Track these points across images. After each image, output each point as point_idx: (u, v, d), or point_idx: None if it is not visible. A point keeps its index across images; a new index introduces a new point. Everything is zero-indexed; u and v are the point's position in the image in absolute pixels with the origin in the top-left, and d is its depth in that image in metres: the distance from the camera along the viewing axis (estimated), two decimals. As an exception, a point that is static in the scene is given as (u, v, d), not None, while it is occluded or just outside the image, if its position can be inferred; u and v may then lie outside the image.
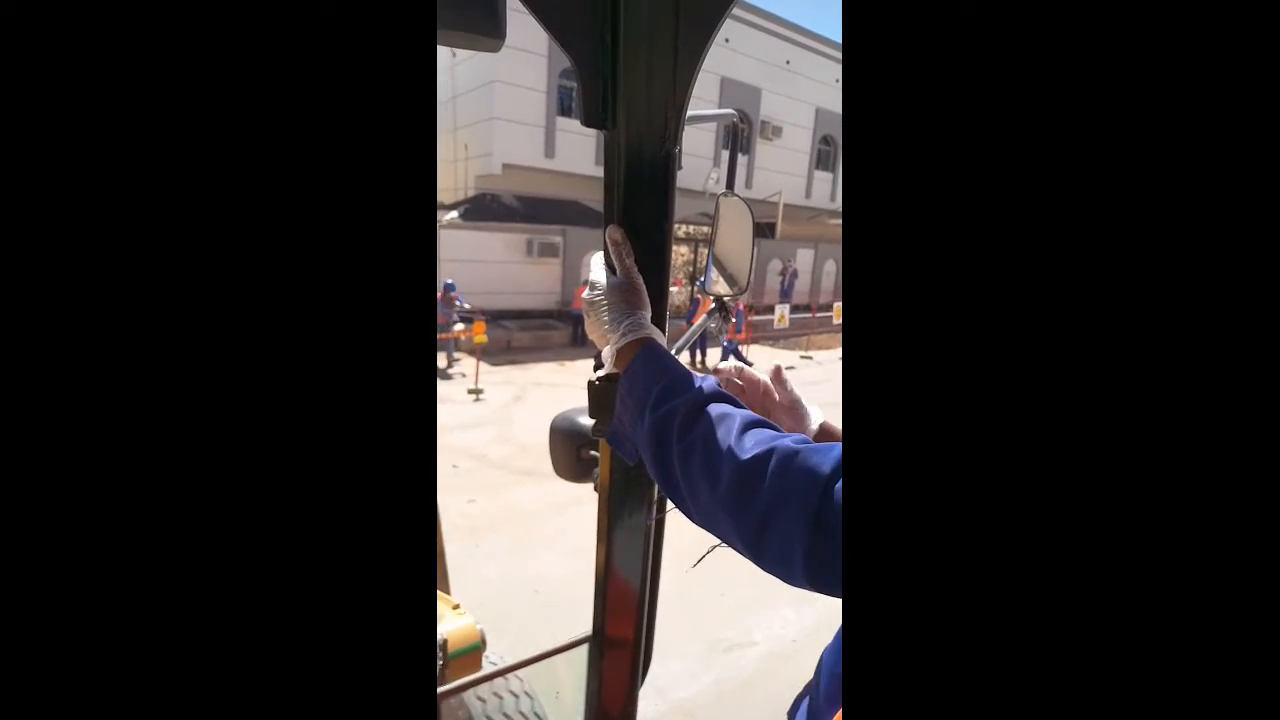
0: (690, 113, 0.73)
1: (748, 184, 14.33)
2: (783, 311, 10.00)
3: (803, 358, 9.19)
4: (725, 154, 13.72)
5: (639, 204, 0.60)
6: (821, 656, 0.67)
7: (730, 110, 0.89)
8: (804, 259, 14.11)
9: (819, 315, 11.64)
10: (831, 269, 14.88)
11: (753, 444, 0.46)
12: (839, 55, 15.85)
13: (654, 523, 0.79)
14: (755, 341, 9.70)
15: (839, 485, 0.41)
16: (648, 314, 0.61)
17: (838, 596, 0.42)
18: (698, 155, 12.71)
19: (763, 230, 13.61)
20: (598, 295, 0.62)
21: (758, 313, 10.89)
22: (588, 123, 0.57)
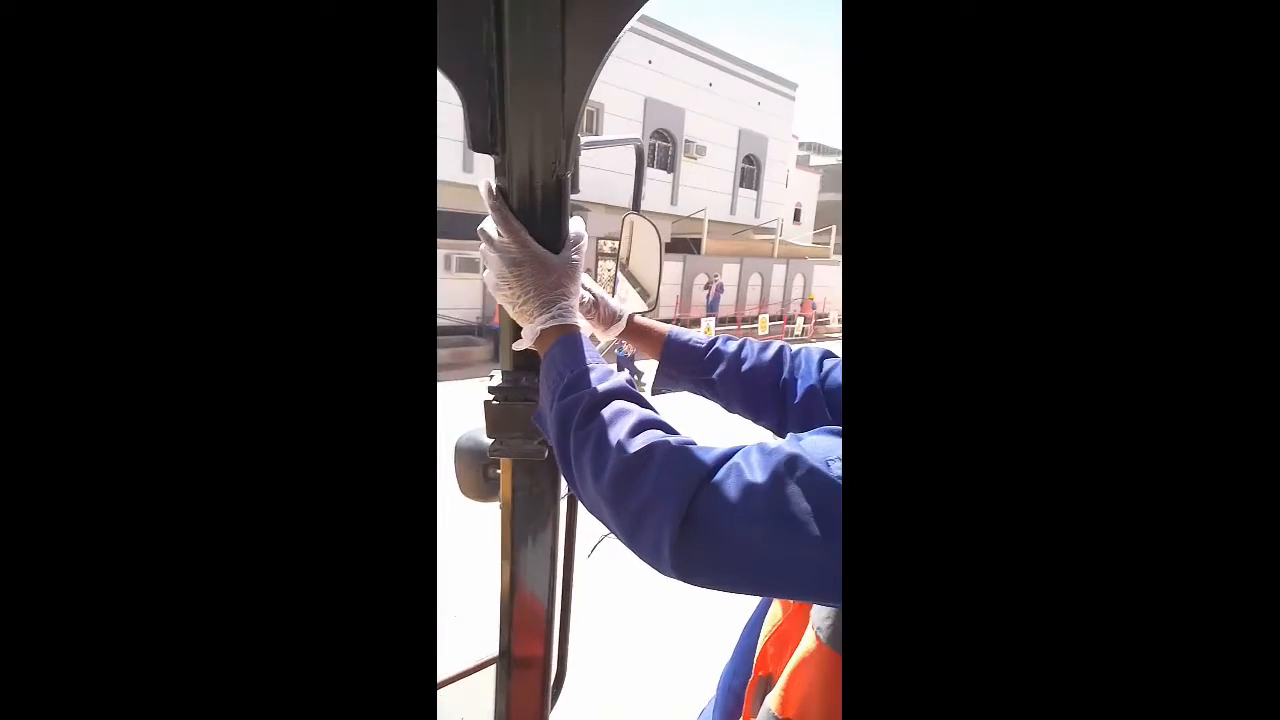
0: (591, 138, 0.76)
1: (673, 201, 14.62)
2: (709, 325, 10.24)
3: (729, 370, 9.40)
4: (651, 171, 13.95)
5: (534, 226, 0.61)
6: (721, 675, 0.70)
7: (634, 136, 0.93)
8: (729, 273, 14.50)
9: (744, 327, 12.00)
10: (756, 282, 15.36)
11: (641, 441, 0.47)
12: (760, 79, 16.50)
13: (566, 499, 0.79)
14: (683, 354, 9.87)
15: (713, 481, 0.43)
16: (577, 301, 0.61)
17: (702, 587, 0.44)
18: (622, 173, 12.85)
19: (689, 246, 13.90)
20: (524, 265, 0.58)
21: (685, 326, 11.09)
22: (475, 148, 0.58)
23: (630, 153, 0.95)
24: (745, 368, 0.75)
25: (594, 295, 0.77)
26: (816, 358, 0.74)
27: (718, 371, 0.76)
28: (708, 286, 13.46)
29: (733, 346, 0.78)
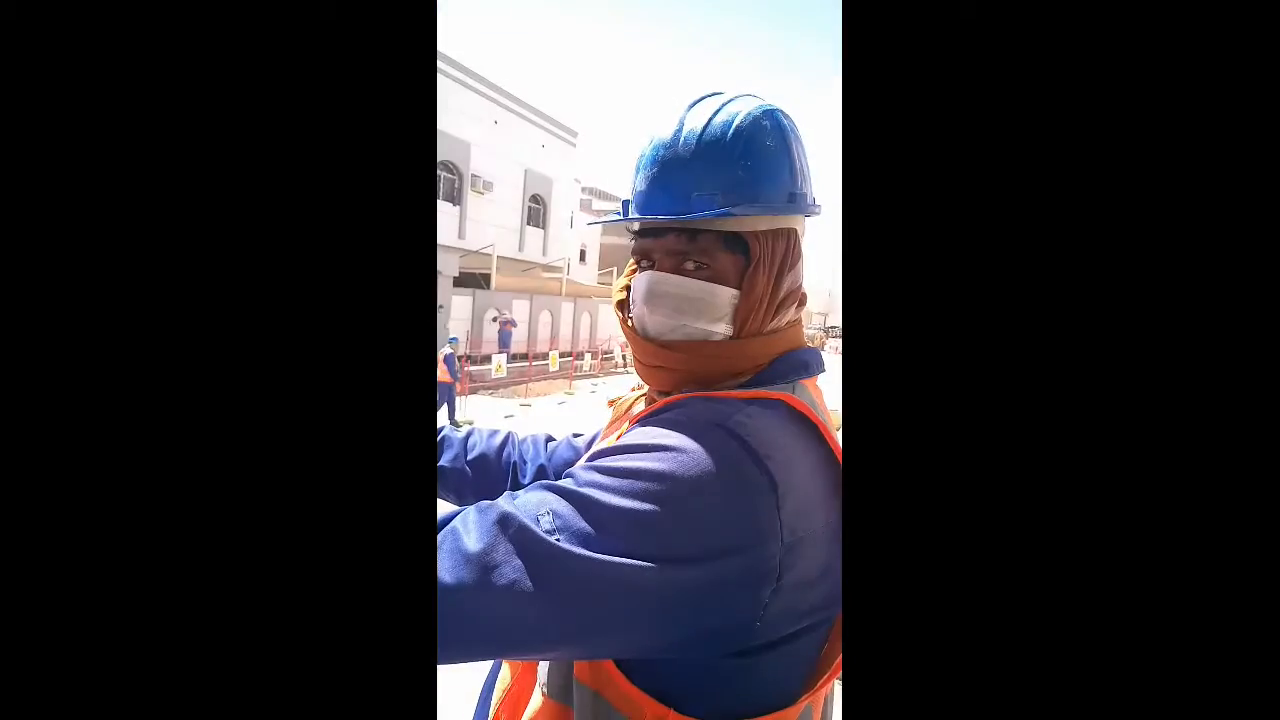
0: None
1: (461, 235, 14.27)
2: (500, 361, 10.07)
3: (522, 405, 9.33)
4: (438, 203, 13.46)
5: None
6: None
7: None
8: (520, 309, 14.49)
9: (536, 364, 12.03)
10: (547, 320, 15.54)
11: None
12: (543, 122, 17.04)
13: None
14: (474, 391, 9.55)
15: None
16: None
17: (445, 663, 0.40)
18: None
19: (479, 280, 13.63)
20: None
21: (476, 363, 10.76)
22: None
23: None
24: (474, 455, 0.76)
25: None
26: (542, 439, 0.79)
27: (447, 457, 0.76)
28: (497, 321, 13.29)
29: (460, 434, 0.78)
